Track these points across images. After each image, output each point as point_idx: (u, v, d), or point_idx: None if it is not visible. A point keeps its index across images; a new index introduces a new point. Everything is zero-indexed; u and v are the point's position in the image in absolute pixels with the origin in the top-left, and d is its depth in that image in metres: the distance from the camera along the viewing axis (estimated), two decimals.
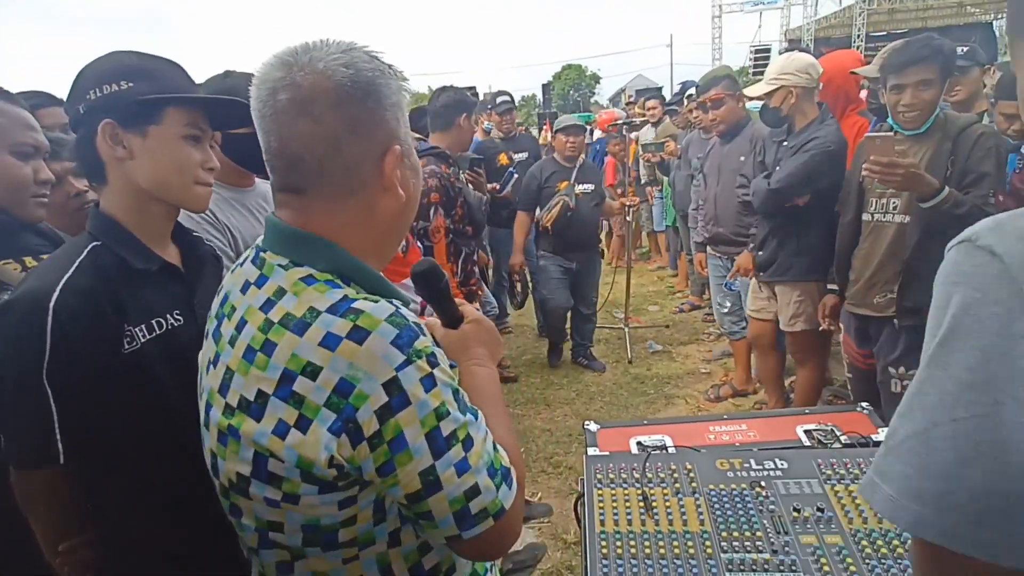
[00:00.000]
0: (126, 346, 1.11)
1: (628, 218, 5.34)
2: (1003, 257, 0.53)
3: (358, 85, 0.83)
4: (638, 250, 8.23)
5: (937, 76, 2.30)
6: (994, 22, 18.02)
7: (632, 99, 9.75)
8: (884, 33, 17.93)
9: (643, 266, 7.71)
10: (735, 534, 1.28)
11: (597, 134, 9.21)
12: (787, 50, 5.33)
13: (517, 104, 5.82)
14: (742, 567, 1.20)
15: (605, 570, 1.22)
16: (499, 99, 5.68)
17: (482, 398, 0.97)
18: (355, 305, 0.80)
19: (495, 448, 0.89)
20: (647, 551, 1.26)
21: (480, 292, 3.90)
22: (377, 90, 0.85)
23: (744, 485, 1.41)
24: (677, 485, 1.43)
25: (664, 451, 1.61)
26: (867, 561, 1.19)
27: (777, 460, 1.47)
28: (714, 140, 3.95)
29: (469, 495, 0.83)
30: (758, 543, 1.25)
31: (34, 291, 1.06)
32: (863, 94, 3.75)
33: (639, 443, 1.66)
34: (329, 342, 0.78)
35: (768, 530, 1.28)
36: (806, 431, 1.67)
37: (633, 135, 5.91)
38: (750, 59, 18.40)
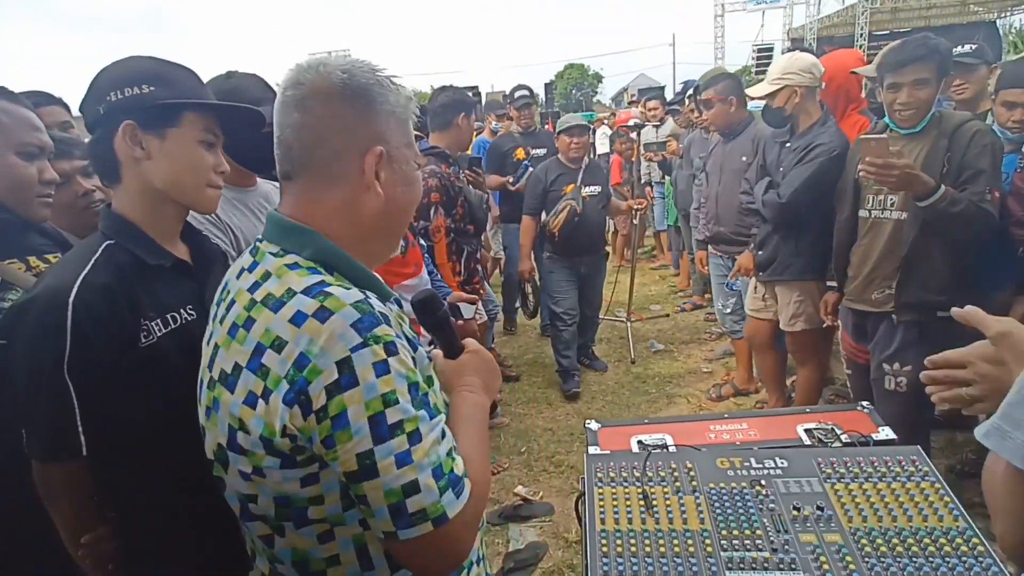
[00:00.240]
0: (143, 340, 1.14)
1: (635, 221, 5.33)
2: None
3: (349, 87, 0.92)
4: (642, 250, 8.22)
5: (933, 75, 2.31)
6: (998, 21, 17.97)
7: (635, 98, 9.75)
8: (887, 32, 17.87)
9: (645, 265, 7.71)
10: (735, 532, 1.28)
11: (599, 133, 9.20)
12: (790, 49, 5.31)
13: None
14: (742, 565, 1.21)
15: (605, 568, 1.23)
16: (517, 93, 5.43)
17: (462, 419, 1.00)
18: (327, 288, 0.86)
19: (452, 455, 0.89)
20: (647, 549, 1.26)
21: (482, 291, 3.91)
22: (368, 93, 0.93)
23: (744, 484, 1.41)
24: (677, 484, 1.43)
25: (665, 450, 1.61)
26: (867, 560, 1.19)
27: (777, 459, 1.48)
28: (716, 139, 3.95)
29: (407, 490, 0.83)
30: (758, 541, 1.26)
31: (53, 288, 1.10)
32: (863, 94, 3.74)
33: (640, 442, 1.67)
34: (297, 319, 0.83)
35: (768, 528, 1.29)
36: (806, 430, 1.68)
37: (635, 135, 5.90)
38: (753, 58, 18.38)
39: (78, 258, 1.15)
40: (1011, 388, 0.69)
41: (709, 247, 4.09)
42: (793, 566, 1.20)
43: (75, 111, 2.53)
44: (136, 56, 1.24)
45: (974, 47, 3.18)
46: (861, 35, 18.13)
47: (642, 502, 1.38)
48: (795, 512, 1.32)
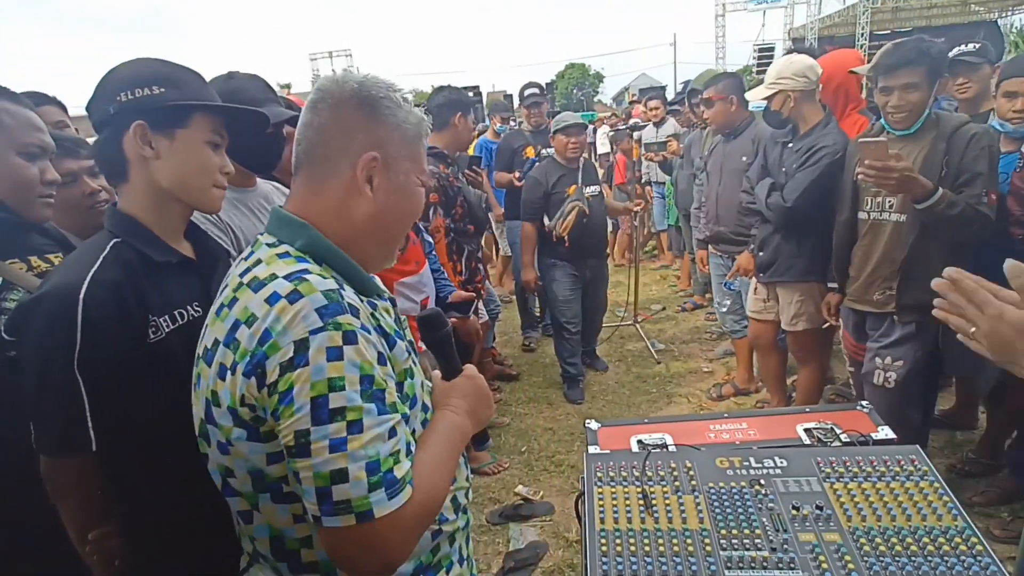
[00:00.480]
0: (152, 336, 1.16)
1: (635, 221, 5.31)
2: None
3: (358, 96, 1.00)
4: (646, 251, 8.21)
5: (924, 79, 2.32)
6: (999, 20, 17.95)
7: (635, 98, 9.74)
8: (888, 32, 17.83)
9: (646, 265, 7.71)
10: (734, 532, 1.29)
11: (600, 133, 9.21)
12: (791, 49, 5.30)
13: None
14: (741, 564, 1.21)
15: (605, 567, 1.23)
16: (527, 91, 5.23)
17: (432, 432, 1.02)
18: (304, 275, 0.90)
19: (397, 457, 0.88)
20: (647, 549, 1.26)
21: (484, 290, 3.91)
22: (374, 104, 1.00)
23: (744, 483, 1.42)
24: (677, 483, 1.44)
25: (664, 449, 1.62)
26: (865, 559, 1.19)
27: (776, 458, 1.48)
28: (717, 139, 3.95)
29: (335, 477, 0.84)
30: (757, 541, 1.26)
31: (63, 285, 1.11)
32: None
33: (639, 441, 1.68)
34: (272, 299, 0.88)
35: (767, 528, 1.29)
36: (806, 429, 1.68)
37: (636, 135, 5.89)
38: (754, 58, 18.38)
39: (87, 256, 1.17)
40: None
41: (709, 247, 4.09)
42: (792, 565, 1.20)
43: (71, 111, 2.54)
44: (144, 58, 1.27)
45: (977, 46, 3.17)
46: (862, 35, 18.13)
47: (642, 501, 1.39)
48: (794, 511, 1.32)
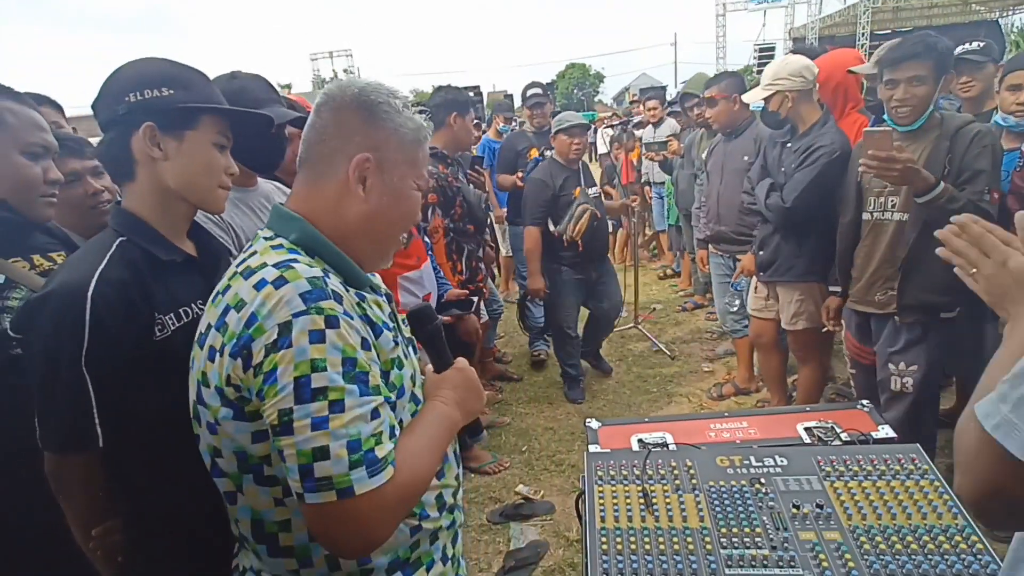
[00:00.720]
0: (157, 334, 1.17)
1: (634, 219, 5.30)
2: None
3: (358, 100, 1.04)
4: (648, 252, 8.21)
5: (930, 73, 2.31)
6: (1000, 20, 17.94)
7: (636, 98, 9.74)
8: (888, 31, 17.85)
9: (646, 265, 7.71)
10: (735, 530, 1.29)
11: (600, 133, 9.20)
12: (791, 49, 5.30)
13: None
14: (741, 563, 1.22)
15: (606, 566, 1.24)
16: (529, 92, 5.14)
17: (419, 421, 1.05)
18: (292, 264, 0.94)
19: (379, 438, 0.90)
20: (647, 547, 1.27)
21: (486, 289, 3.91)
22: (373, 108, 1.03)
23: (744, 482, 1.42)
24: (677, 482, 1.44)
25: (665, 448, 1.62)
26: (865, 557, 1.20)
27: (777, 457, 1.48)
28: (717, 138, 3.95)
29: (317, 454, 0.86)
30: (757, 539, 1.26)
31: (71, 283, 1.12)
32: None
33: (640, 440, 1.68)
34: (260, 285, 0.92)
35: (767, 526, 1.29)
36: (806, 428, 1.69)
37: (638, 133, 5.90)
38: (754, 58, 18.38)
39: (93, 254, 1.18)
40: (1012, 372, 0.70)
41: (710, 246, 4.09)
42: (792, 564, 1.20)
43: (71, 111, 2.55)
44: (151, 57, 1.27)
45: (982, 44, 3.17)
46: (863, 34, 18.13)
47: (642, 500, 1.39)
48: (794, 510, 1.32)
